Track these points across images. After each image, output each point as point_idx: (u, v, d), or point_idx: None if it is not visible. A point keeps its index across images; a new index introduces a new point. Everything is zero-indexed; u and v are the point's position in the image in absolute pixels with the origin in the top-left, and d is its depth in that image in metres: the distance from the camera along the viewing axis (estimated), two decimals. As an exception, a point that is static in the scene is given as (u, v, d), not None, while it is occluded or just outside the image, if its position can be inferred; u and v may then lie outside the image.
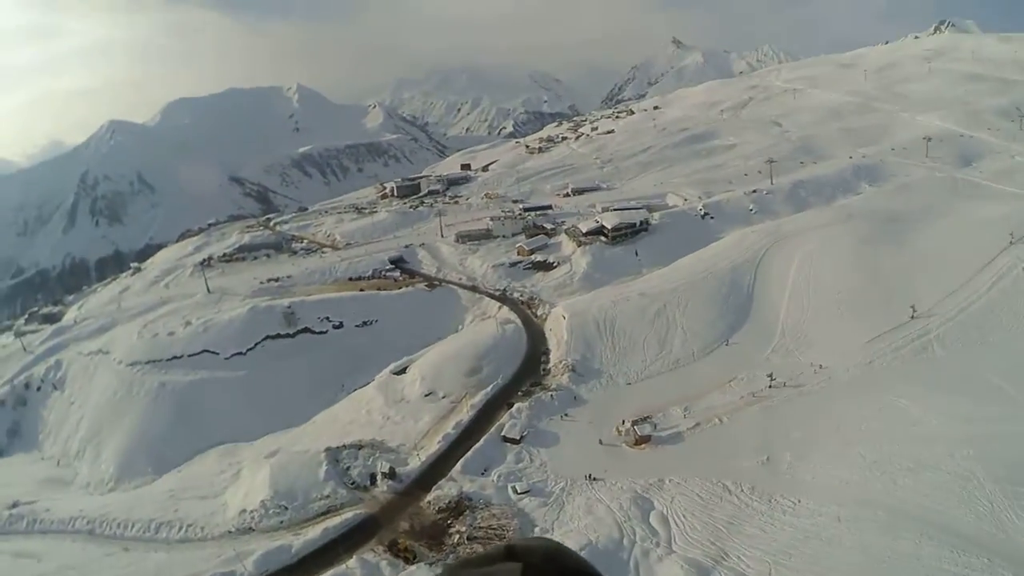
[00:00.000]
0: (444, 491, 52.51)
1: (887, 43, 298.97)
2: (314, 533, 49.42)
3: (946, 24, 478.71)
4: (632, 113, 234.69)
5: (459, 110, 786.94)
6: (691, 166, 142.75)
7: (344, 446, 60.48)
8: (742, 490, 48.01)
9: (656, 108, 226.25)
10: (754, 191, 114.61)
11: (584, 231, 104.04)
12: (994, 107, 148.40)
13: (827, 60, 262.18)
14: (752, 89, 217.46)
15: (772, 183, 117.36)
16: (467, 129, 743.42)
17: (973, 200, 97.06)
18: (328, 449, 59.48)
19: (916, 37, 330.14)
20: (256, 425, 73.62)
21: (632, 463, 54.28)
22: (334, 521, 50.71)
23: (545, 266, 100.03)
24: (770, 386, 62.64)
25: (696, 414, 60.52)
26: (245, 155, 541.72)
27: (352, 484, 55.43)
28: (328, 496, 53.85)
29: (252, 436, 72.20)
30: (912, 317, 69.49)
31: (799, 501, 45.78)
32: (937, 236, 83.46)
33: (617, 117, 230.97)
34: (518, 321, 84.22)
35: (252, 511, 53.32)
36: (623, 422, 59.60)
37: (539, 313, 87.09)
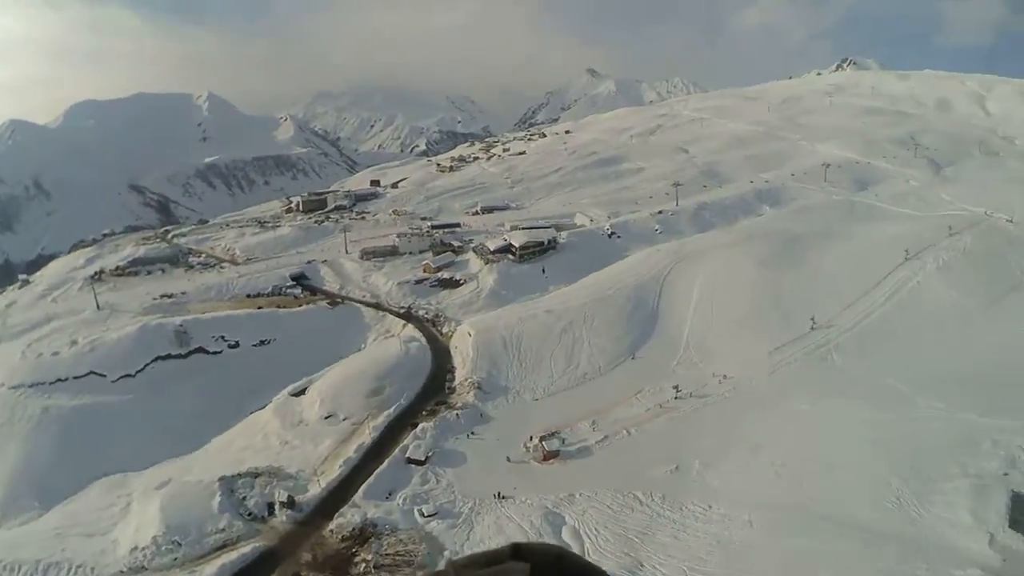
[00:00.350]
0: (347, 518, 49.62)
1: (791, 78, 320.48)
2: (210, 570, 45.53)
3: (848, 62, 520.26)
4: (544, 136, 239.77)
5: (372, 126, 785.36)
6: (600, 188, 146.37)
7: (239, 474, 56.20)
8: (653, 499, 47.79)
9: (568, 132, 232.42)
10: (660, 212, 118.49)
11: (492, 249, 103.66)
12: (890, 137, 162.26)
13: (734, 93, 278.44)
14: (661, 117, 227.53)
15: (677, 205, 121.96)
16: (379, 146, 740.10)
17: (870, 221, 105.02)
18: (223, 478, 55.12)
19: (819, 73, 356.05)
20: (146, 453, 67.55)
21: (541, 479, 53.11)
22: (231, 556, 46.82)
23: (451, 283, 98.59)
24: (676, 397, 63.84)
25: (604, 427, 60.31)
26: (148, 163, 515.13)
27: (249, 515, 51.60)
28: (224, 529, 49.84)
29: (142, 465, 66.07)
30: (812, 328, 73.12)
31: (710, 507, 45.96)
32: (835, 254, 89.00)
33: (530, 139, 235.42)
34: (423, 339, 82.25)
35: (144, 548, 48.66)
36: (531, 438, 58.47)
37: (444, 331, 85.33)
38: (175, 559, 47.52)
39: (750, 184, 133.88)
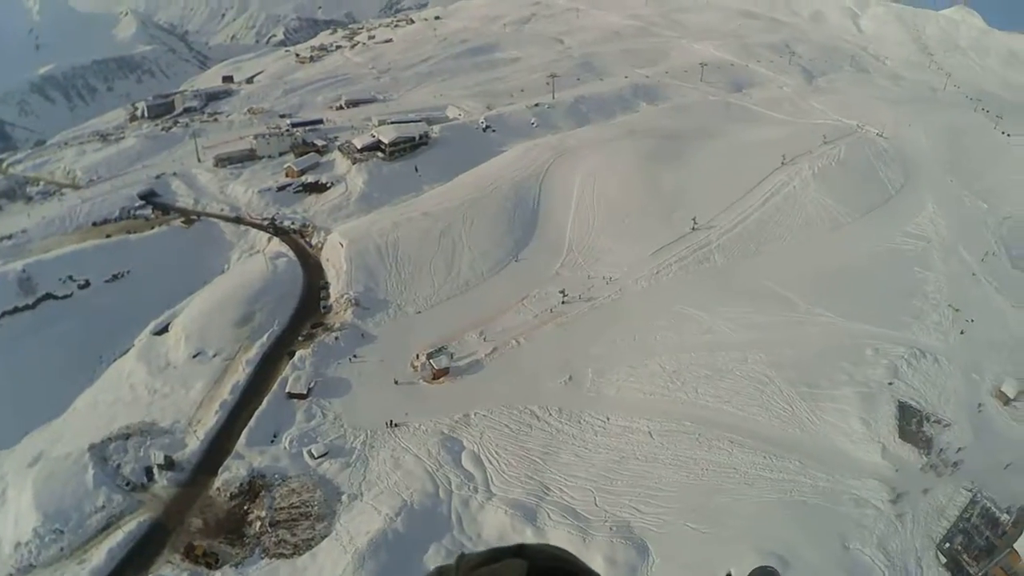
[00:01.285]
0: (233, 472, 44.66)
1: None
2: (98, 558, 40.19)
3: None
4: (412, 23, 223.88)
5: (223, 16, 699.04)
6: (472, 78, 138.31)
7: (110, 438, 48.59)
8: (550, 414, 46.48)
9: (437, 18, 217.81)
10: (536, 105, 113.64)
11: (359, 147, 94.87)
12: (766, 43, 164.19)
13: None
14: (536, 5, 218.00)
15: (554, 98, 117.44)
16: (232, 37, 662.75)
17: (746, 123, 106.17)
18: (92, 447, 47.37)
19: None
20: (9, 425, 57.06)
21: (433, 400, 50.14)
22: (117, 537, 41.36)
23: (318, 188, 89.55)
24: (563, 302, 62.64)
25: (493, 338, 58.01)
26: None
27: (127, 485, 45.38)
28: (103, 506, 43.68)
29: (8, 440, 55.81)
30: (693, 229, 73.43)
31: (608, 419, 45.28)
32: (713, 154, 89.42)
33: (396, 26, 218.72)
34: (291, 253, 74.28)
35: (27, 543, 42.19)
36: (417, 356, 54.99)
37: (314, 242, 77.59)
38: (60, 549, 41.81)
39: (625, 79, 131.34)
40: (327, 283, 68.49)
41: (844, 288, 59.77)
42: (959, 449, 47.34)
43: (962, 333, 57.79)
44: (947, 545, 41.99)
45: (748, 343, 51.43)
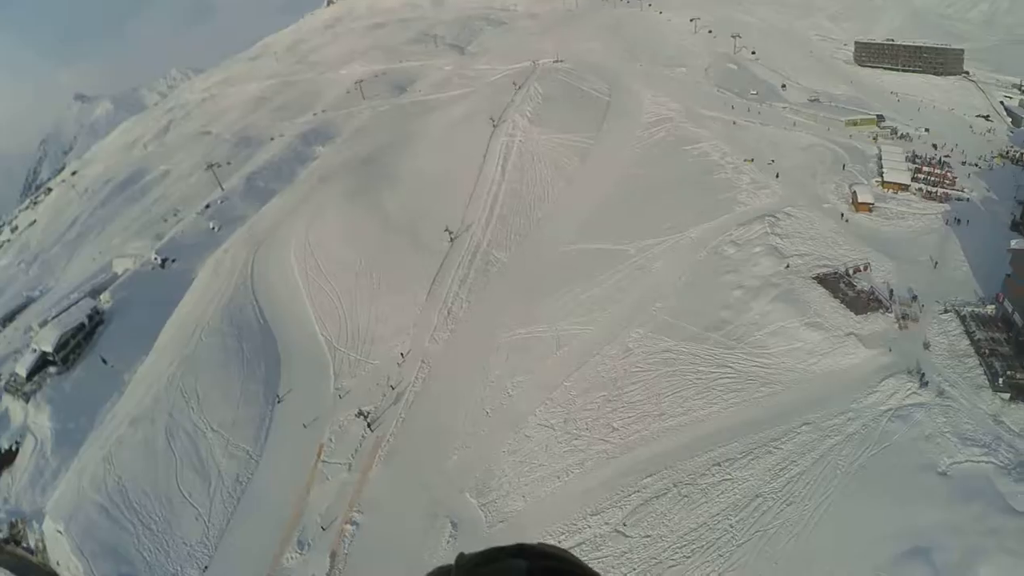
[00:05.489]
0: None
1: (288, 27, 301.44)
2: None
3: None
4: (51, 191, 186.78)
5: None
6: (129, 216, 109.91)
7: None
8: None
9: (74, 174, 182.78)
10: (207, 206, 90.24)
11: (26, 374, 65.40)
12: (407, 38, 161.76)
13: (237, 59, 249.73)
14: (170, 112, 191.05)
15: (223, 189, 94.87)
16: None
17: (430, 113, 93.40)
18: None
19: (313, 13, 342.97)
20: None
21: None
22: None
23: (3, 459, 59.59)
24: (369, 425, 44.41)
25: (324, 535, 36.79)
26: None
27: None
28: None
29: None
30: (451, 241, 58.23)
31: None
32: (423, 153, 75.45)
33: (35, 204, 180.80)
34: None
35: None
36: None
37: (34, 545, 48.89)
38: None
39: (281, 137, 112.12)
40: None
41: (653, 205, 48.74)
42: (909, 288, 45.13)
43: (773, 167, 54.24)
44: (999, 381, 37.52)
45: (613, 329, 37.16)
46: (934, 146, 73.49)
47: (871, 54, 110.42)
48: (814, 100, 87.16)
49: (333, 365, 50.51)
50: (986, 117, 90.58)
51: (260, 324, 56.19)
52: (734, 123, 71.81)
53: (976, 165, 69.72)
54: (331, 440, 44.10)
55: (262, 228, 71.54)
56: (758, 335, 41.38)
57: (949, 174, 64.99)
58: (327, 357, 51.27)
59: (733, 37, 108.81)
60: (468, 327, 49.57)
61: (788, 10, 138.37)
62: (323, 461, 42.84)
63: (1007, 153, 74.84)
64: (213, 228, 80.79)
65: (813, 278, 45.91)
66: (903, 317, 42.44)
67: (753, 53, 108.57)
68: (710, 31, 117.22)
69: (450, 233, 58.11)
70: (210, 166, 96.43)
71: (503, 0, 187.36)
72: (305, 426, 45.56)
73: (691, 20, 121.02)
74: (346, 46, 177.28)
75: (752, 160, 62.28)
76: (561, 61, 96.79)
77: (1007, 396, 36.85)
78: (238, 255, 67.10)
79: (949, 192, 60.62)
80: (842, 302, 43.51)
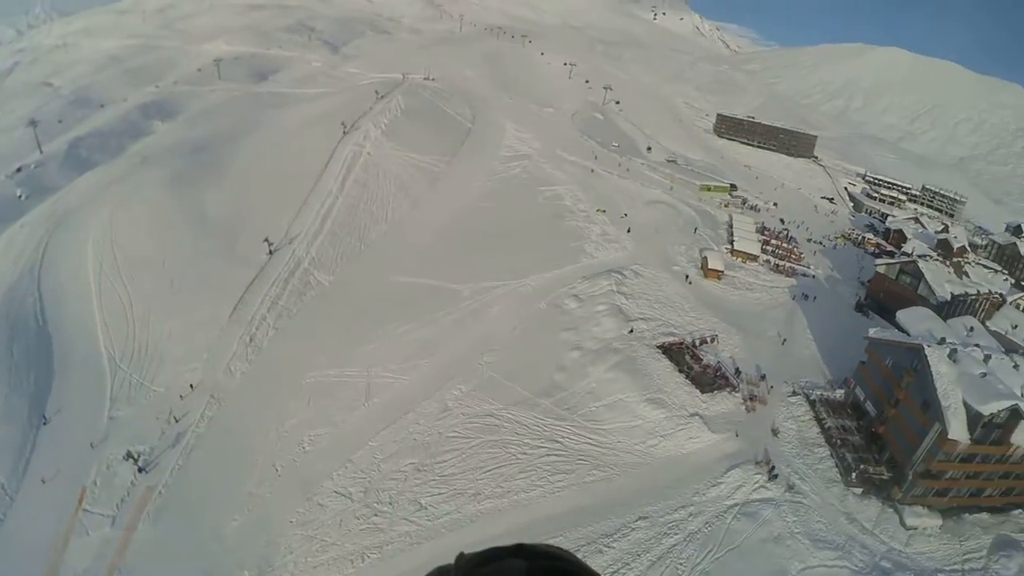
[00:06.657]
0: None
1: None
2: None
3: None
4: None
5: None
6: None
7: None
8: None
9: None
10: (18, 170, 74.51)
11: None
12: (282, 27, 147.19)
13: (104, 9, 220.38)
14: (19, 53, 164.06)
15: (42, 152, 79.18)
16: None
17: (283, 107, 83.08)
18: None
19: None
20: None
21: None
22: None
23: None
24: (141, 470, 33.93)
25: None
26: None
27: None
28: None
29: None
30: (270, 253, 48.96)
31: None
32: (261, 150, 64.72)
33: None
34: None
35: None
36: None
37: None
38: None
39: (124, 102, 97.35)
40: None
41: (497, 243, 42.98)
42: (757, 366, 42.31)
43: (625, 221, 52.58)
44: (853, 476, 35.21)
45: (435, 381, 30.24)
46: (782, 220, 74.70)
47: (730, 127, 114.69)
48: (672, 161, 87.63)
49: (112, 387, 39.60)
50: (830, 199, 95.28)
51: (38, 324, 44.02)
52: (592, 171, 69.29)
53: (820, 243, 71.41)
54: (95, 484, 33.57)
55: (66, 205, 58.43)
56: (594, 407, 36.22)
57: (796, 249, 65.40)
58: (106, 376, 40.27)
59: (605, 88, 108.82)
60: (271, 359, 40.81)
61: (660, 74, 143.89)
62: (84, 510, 32.34)
63: (849, 235, 78.17)
64: (20, 196, 66.18)
65: (658, 347, 41.81)
66: (751, 398, 39.25)
67: (618, 103, 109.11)
68: (587, 81, 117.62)
69: (270, 244, 49.02)
70: (32, 123, 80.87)
71: (392, 10, 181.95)
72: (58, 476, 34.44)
73: (565, 64, 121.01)
74: (218, 20, 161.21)
75: (605, 211, 59.15)
76: (432, 79, 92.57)
77: (859, 491, 34.34)
78: (33, 233, 54.23)
79: (796, 267, 60.51)
80: (687, 377, 39.52)
